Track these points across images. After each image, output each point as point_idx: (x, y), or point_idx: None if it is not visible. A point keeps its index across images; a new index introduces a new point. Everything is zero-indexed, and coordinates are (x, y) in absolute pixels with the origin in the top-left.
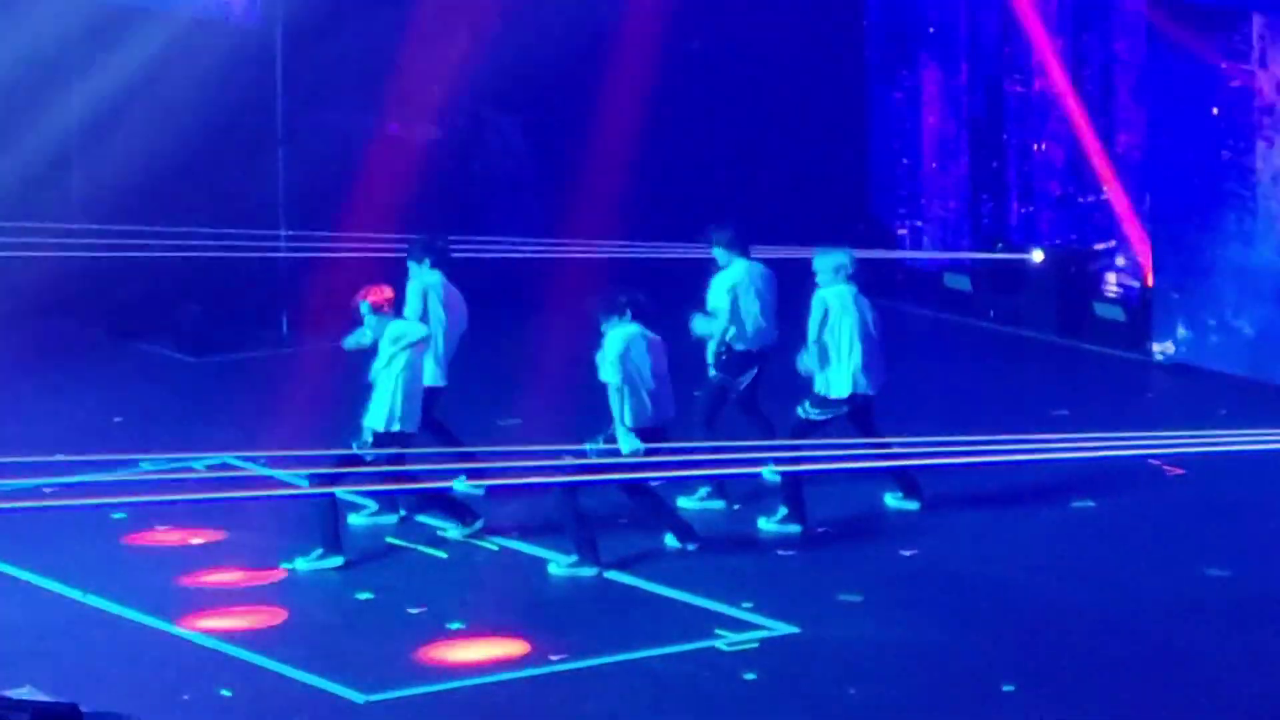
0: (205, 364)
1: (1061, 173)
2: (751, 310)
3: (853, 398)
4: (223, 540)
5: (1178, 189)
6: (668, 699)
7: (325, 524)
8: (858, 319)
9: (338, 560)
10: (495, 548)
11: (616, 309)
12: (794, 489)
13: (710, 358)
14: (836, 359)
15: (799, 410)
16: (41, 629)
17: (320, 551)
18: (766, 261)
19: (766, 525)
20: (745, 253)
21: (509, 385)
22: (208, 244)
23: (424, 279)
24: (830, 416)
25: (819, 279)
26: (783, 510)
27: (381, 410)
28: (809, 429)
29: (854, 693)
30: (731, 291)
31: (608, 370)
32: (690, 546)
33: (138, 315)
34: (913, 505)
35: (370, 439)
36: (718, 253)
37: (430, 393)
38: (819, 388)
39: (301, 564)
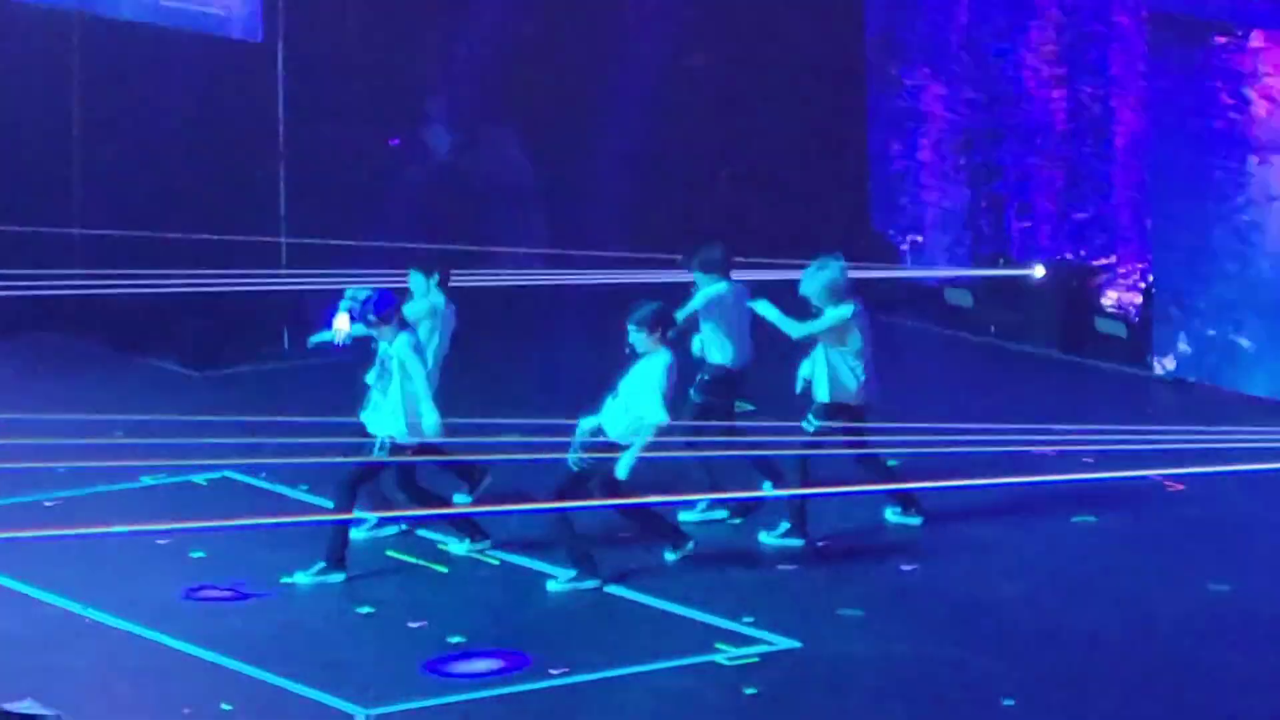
0: (207, 377)
1: (1061, 187)
2: (736, 330)
3: (855, 407)
4: (223, 553)
5: (1177, 203)
6: (668, 713)
7: (334, 539)
8: (867, 331)
9: (339, 577)
10: (496, 562)
11: (654, 324)
12: (797, 504)
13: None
14: (852, 370)
15: (803, 425)
16: (42, 643)
17: (323, 566)
18: (769, 281)
19: (768, 539)
20: (727, 273)
21: (505, 399)
22: (208, 261)
23: (434, 298)
24: (837, 426)
25: (816, 302)
26: (785, 525)
27: (400, 420)
28: (816, 442)
29: (854, 707)
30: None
31: (657, 407)
32: (689, 547)
33: (139, 328)
34: (914, 520)
35: (389, 446)
36: (698, 275)
37: None
38: (819, 396)
39: (301, 577)
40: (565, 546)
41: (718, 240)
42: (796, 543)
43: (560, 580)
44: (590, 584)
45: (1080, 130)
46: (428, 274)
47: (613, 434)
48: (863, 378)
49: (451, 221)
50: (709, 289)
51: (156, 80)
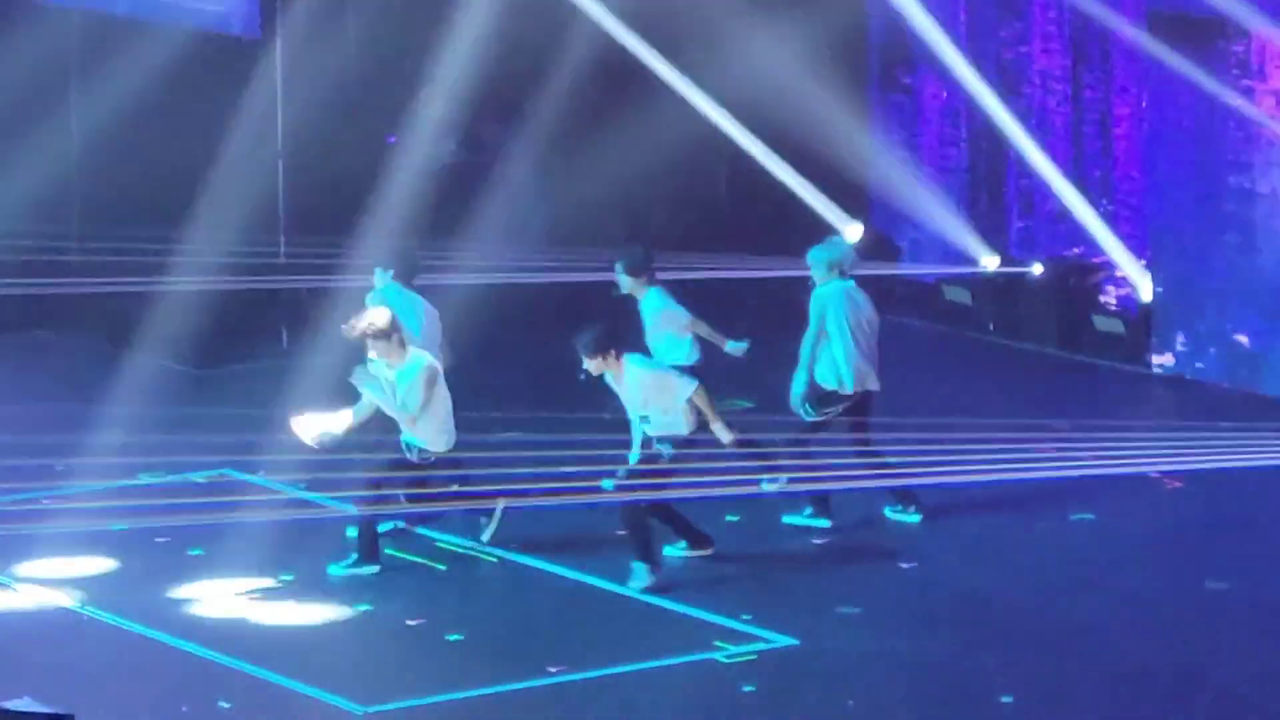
0: (205, 374)
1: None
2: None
3: (849, 395)
4: (220, 552)
5: (1177, 202)
6: (666, 711)
7: (365, 534)
8: (853, 315)
9: (373, 569)
10: (494, 560)
11: (603, 348)
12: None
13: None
14: (835, 356)
15: (800, 413)
16: (40, 640)
17: (356, 558)
18: (771, 277)
19: (791, 520)
20: (653, 276)
21: (502, 398)
22: (206, 257)
23: (386, 293)
24: (830, 414)
25: (814, 274)
26: (809, 508)
27: (436, 433)
28: (813, 429)
29: (853, 704)
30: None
31: (680, 383)
32: (708, 551)
33: (137, 325)
34: (913, 518)
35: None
36: (624, 278)
37: None
38: (819, 378)
39: (335, 569)
40: (639, 542)
41: (639, 243)
42: (823, 523)
43: (638, 578)
44: (653, 580)
45: (1080, 128)
46: (385, 268)
47: (670, 430)
48: (854, 365)
49: (449, 219)
50: (657, 297)
51: (154, 76)
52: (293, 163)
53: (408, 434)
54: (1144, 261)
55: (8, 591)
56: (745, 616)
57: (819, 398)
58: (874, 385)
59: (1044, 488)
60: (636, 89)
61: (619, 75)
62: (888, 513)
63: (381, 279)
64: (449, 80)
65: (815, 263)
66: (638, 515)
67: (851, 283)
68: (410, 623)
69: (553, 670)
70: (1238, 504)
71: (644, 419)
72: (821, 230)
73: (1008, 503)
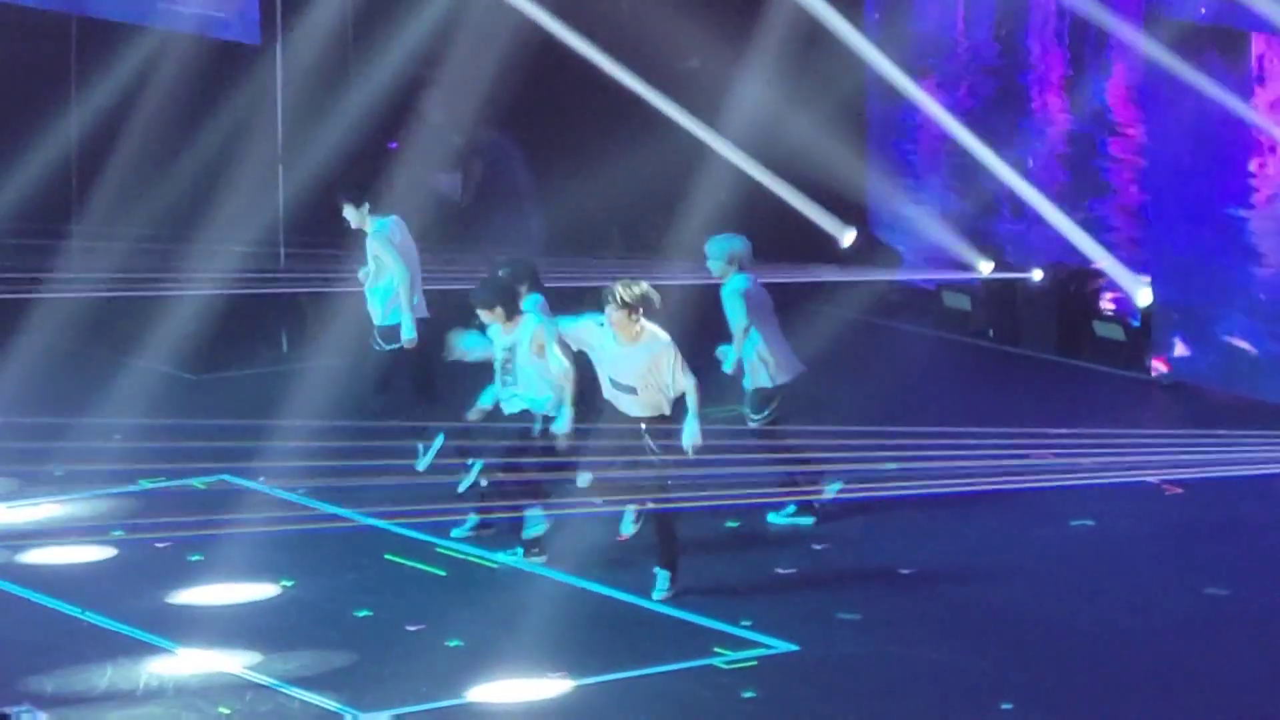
0: (204, 381)
1: (1060, 191)
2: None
3: (785, 386)
4: (219, 557)
5: (1175, 207)
6: (666, 717)
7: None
8: (767, 306)
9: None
10: (493, 565)
11: (637, 309)
12: (794, 481)
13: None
14: (760, 352)
15: (749, 422)
16: (39, 646)
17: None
18: (769, 283)
19: (777, 519)
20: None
21: None
22: (205, 263)
23: (371, 225)
24: (774, 411)
25: (712, 265)
26: (792, 506)
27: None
28: (768, 433)
29: (852, 711)
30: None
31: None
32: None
33: (136, 331)
34: (805, 521)
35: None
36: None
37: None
38: (747, 384)
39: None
40: (669, 550)
41: (530, 254)
42: (806, 521)
43: (661, 586)
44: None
45: (1080, 133)
46: (357, 204)
47: (658, 410)
48: (780, 355)
49: (447, 221)
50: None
51: (154, 83)
52: (293, 169)
53: (526, 400)
54: (1141, 273)
55: (7, 600)
56: (745, 622)
57: (760, 399)
58: (801, 368)
59: (1044, 493)
60: (635, 106)
61: (618, 90)
62: (771, 517)
63: (358, 216)
64: (450, 86)
65: (714, 255)
66: (670, 523)
67: (752, 276)
68: (410, 628)
69: (552, 676)
70: (1238, 510)
71: (631, 390)
72: (820, 237)
73: (1007, 508)
